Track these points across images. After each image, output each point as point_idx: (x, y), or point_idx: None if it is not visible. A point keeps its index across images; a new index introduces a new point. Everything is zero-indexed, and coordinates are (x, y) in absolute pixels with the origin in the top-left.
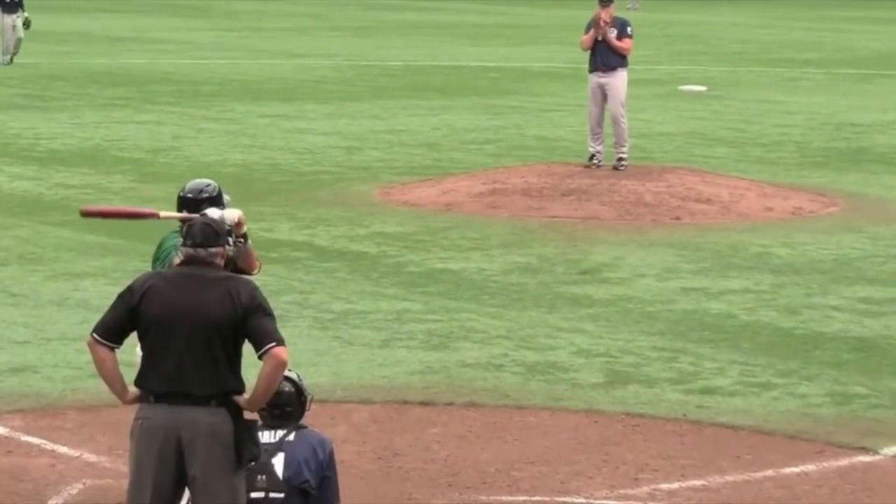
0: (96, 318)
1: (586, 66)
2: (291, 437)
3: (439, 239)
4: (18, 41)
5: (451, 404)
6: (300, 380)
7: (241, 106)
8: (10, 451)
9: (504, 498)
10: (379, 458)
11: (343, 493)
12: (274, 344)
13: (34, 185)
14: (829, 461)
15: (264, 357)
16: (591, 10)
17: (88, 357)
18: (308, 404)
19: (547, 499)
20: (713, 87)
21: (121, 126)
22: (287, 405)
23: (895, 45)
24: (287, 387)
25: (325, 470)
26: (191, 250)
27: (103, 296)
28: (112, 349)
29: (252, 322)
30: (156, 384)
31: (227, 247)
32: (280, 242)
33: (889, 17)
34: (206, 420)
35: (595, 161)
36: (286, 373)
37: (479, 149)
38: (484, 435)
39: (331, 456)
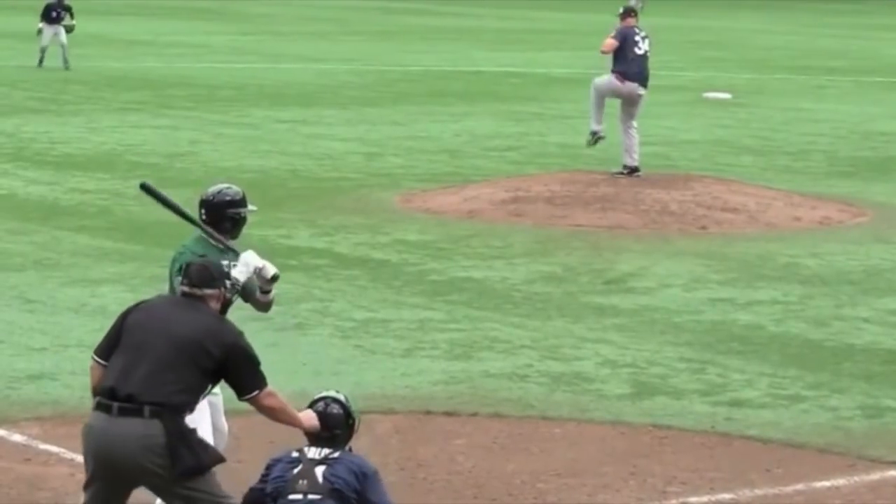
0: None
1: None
2: (336, 454)
3: (462, 247)
4: (63, 48)
5: (475, 415)
6: (348, 402)
7: (259, 111)
8: (28, 459)
9: None
10: (402, 469)
11: None
12: (257, 392)
13: (49, 189)
14: (860, 475)
15: (254, 403)
16: (613, 15)
17: None
18: (356, 426)
19: None
20: (738, 94)
21: (136, 130)
22: (336, 428)
23: None
24: (336, 409)
25: (367, 483)
26: (186, 288)
27: (121, 302)
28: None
29: (234, 365)
30: (104, 387)
31: (223, 289)
32: (299, 249)
33: None
34: (137, 433)
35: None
36: (334, 394)
37: (501, 156)
38: (509, 446)
39: (375, 475)
